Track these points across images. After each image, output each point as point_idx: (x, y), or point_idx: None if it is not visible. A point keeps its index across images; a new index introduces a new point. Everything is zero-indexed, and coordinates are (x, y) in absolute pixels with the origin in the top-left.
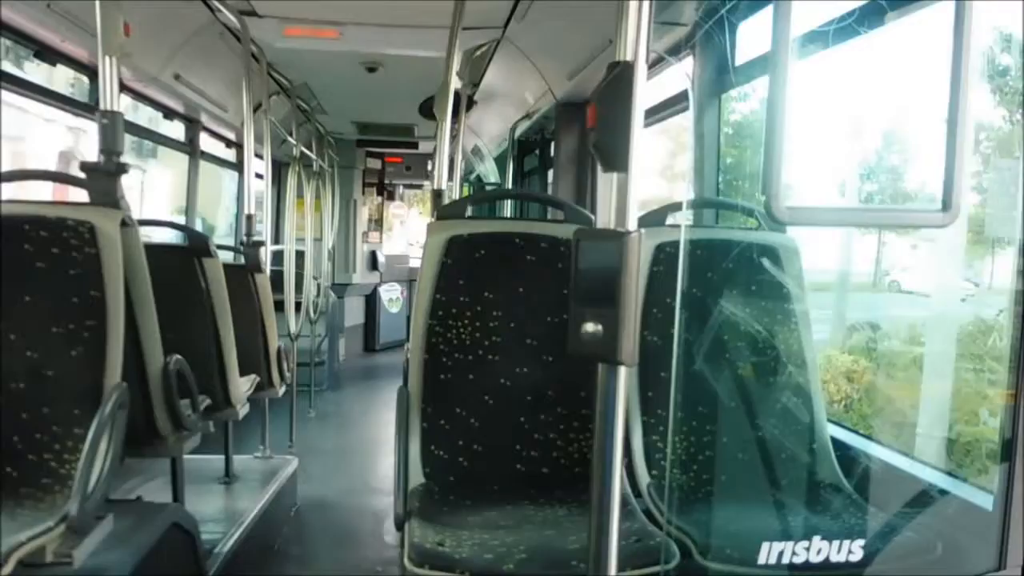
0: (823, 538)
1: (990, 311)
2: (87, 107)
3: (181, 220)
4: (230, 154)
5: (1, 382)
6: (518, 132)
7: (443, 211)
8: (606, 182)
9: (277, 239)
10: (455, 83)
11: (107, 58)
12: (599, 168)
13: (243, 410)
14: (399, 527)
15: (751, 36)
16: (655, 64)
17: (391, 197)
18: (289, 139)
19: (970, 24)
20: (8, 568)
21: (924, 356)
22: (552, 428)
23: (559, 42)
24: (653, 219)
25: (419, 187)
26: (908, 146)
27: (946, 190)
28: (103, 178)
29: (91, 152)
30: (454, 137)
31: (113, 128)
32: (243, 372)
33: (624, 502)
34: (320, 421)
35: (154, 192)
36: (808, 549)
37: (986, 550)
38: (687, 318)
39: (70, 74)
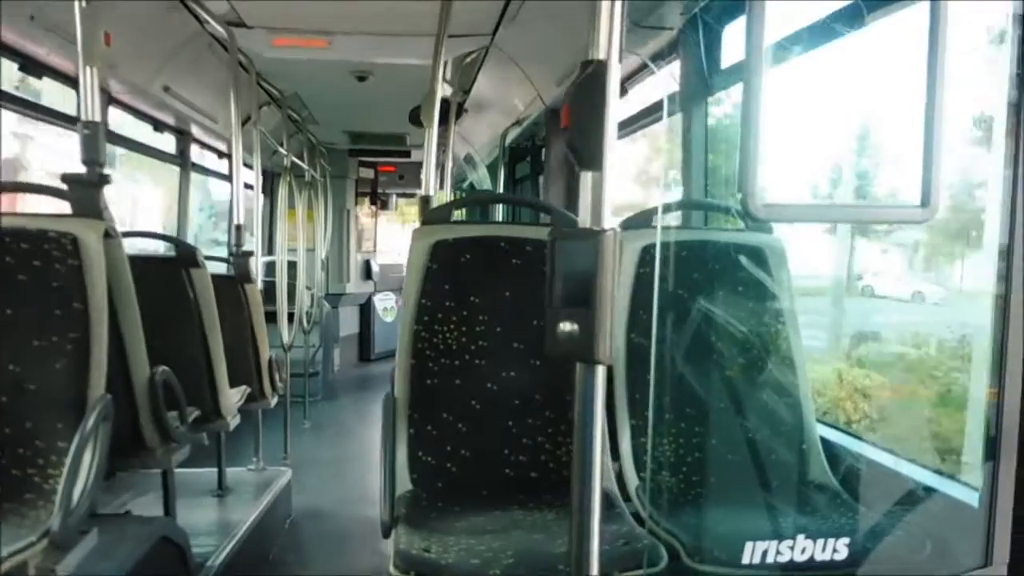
0: (811, 537)
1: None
2: (70, 119)
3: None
4: (222, 165)
5: None
6: (509, 139)
7: (428, 216)
8: (584, 182)
9: (270, 250)
10: (444, 90)
11: (88, 68)
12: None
13: (234, 421)
14: (386, 534)
15: (736, 40)
16: (639, 71)
17: (384, 206)
18: (280, 149)
19: (945, 23)
20: None
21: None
22: (540, 432)
23: (548, 48)
24: (639, 221)
25: (412, 196)
26: (886, 146)
27: (924, 187)
28: (85, 189)
29: (40, 160)
30: (444, 144)
31: (94, 138)
32: (234, 383)
33: (612, 505)
34: (315, 432)
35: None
36: (792, 548)
37: (973, 547)
38: (674, 320)
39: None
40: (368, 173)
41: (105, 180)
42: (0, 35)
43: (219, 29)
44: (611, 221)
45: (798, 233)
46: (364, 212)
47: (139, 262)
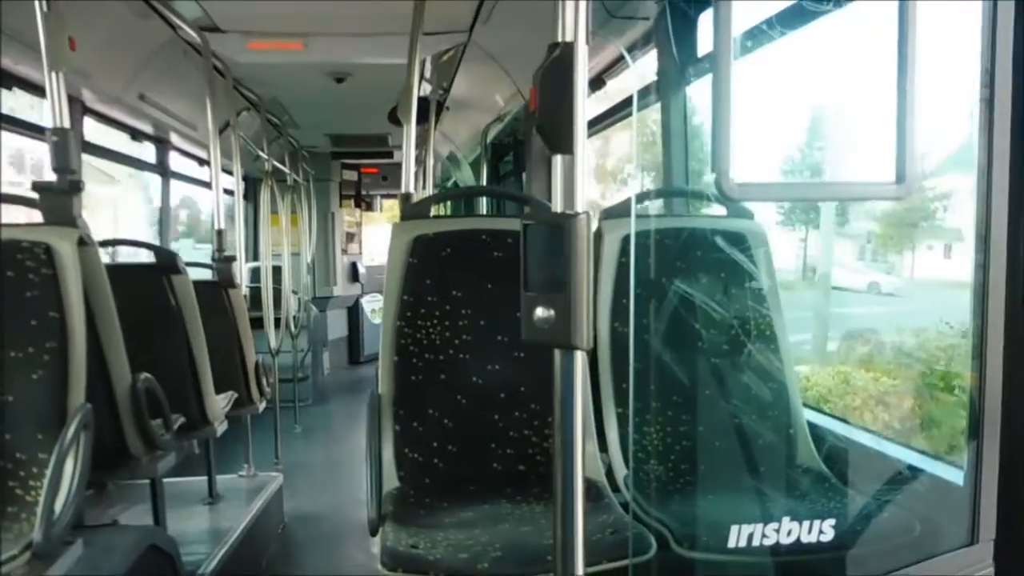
0: (798, 519)
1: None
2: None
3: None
4: (203, 173)
5: None
6: (490, 136)
7: (407, 211)
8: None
9: (255, 255)
10: (423, 88)
11: (54, 74)
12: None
13: (221, 427)
14: (373, 532)
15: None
16: (616, 62)
17: (369, 208)
18: (261, 154)
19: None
20: None
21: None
22: (526, 425)
23: (526, 43)
24: (619, 210)
25: (396, 196)
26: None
27: (899, 163)
28: (57, 197)
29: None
30: (424, 143)
31: (64, 145)
32: (220, 389)
33: (601, 495)
34: (306, 436)
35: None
36: (778, 531)
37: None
38: (658, 307)
39: None
40: (351, 175)
41: (77, 187)
42: None
43: (193, 35)
44: (584, 205)
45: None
46: (349, 214)
47: (119, 270)
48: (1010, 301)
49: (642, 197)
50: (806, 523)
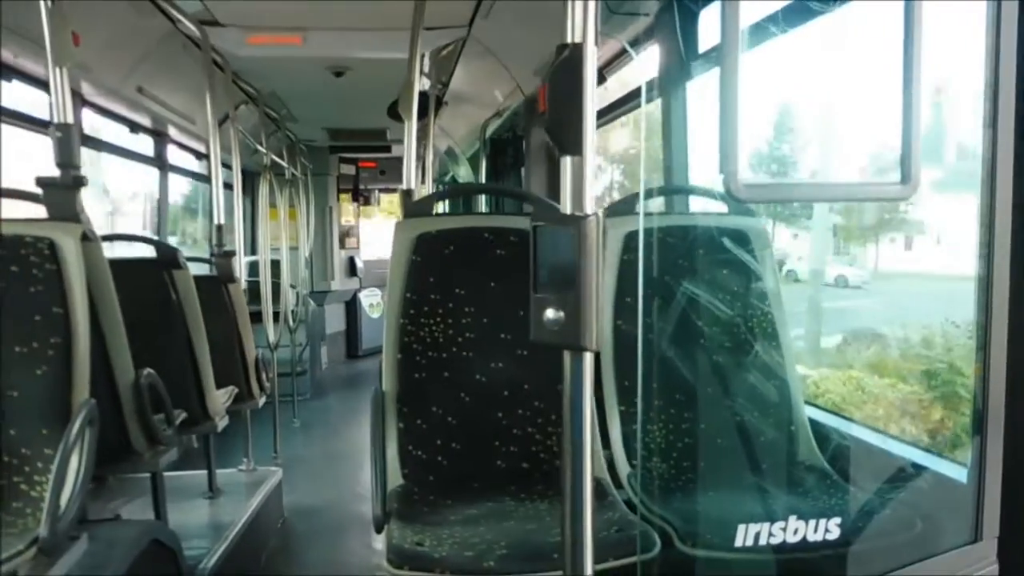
0: (803, 518)
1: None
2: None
3: None
4: (202, 166)
5: None
6: (489, 131)
7: (410, 209)
8: (564, 167)
9: (253, 250)
10: (423, 83)
11: (57, 69)
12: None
13: (222, 422)
14: (378, 530)
15: (714, 22)
16: (618, 56)
17: (367, 202)
18: (260, 148)
19: None
20: None
21: None
22: (530, 422)
23: (525, 38)
24: (622, 208)
25: (394, 191)
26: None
27: (904, 163)
28: (61, 192)
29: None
30: (424, 138)
31: (68, 141)
32: (221, 384)
33: (604, 493)
34: (305, 430)
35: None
36: (784, 529)
37: (963, 523)
38: (660, 305)
39: None
40: (349, 169)
41: (81, 182)
42: None
43: (192, 28)
44: (593, 206)
45: None
46: (347, 208)
47: (120, 265)
48: (1014, 298)
49: (649, 194)
50: (809, 520)
